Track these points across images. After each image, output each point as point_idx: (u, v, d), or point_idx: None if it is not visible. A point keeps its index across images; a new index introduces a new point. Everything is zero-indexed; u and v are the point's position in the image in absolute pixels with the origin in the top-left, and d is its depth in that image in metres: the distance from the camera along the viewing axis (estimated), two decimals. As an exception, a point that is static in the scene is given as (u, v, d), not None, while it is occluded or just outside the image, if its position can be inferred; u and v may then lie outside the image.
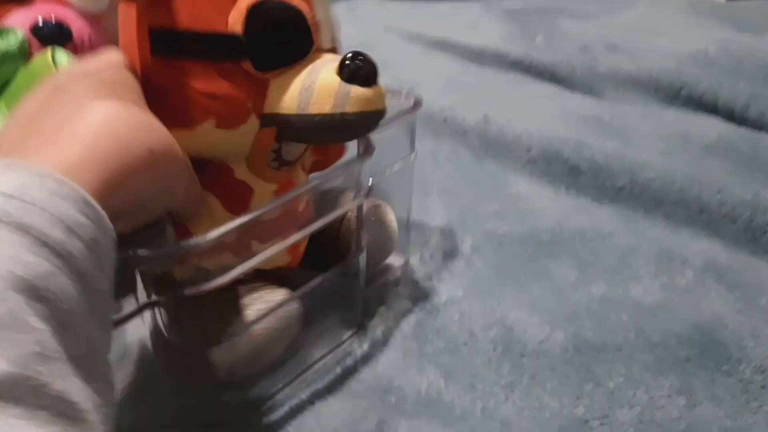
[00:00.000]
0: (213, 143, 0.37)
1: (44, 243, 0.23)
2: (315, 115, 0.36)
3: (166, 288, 0.38)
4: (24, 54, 0.50)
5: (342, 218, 0.48)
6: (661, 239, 0.55)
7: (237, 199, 0.40)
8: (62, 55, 0.48)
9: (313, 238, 0.46)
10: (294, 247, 0.44)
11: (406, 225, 0.55)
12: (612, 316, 0.46)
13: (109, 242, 0.27)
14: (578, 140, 0.66)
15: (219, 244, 0.37)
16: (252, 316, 0.40)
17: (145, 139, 0.30)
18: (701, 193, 0.57)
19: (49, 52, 0.48)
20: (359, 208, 0.45)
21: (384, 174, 0.49)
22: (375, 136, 0.45)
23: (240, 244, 0.40)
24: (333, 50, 0.41)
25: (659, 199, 0.59)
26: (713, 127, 0.71)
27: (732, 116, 0.75)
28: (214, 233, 0.34)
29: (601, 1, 1.35)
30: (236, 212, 0.38)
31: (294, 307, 0.42)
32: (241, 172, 0.40)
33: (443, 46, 1.08)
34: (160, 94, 0.35)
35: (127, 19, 0.36)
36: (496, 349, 0.45)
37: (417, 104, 0.49)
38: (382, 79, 0.80)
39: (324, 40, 0.39)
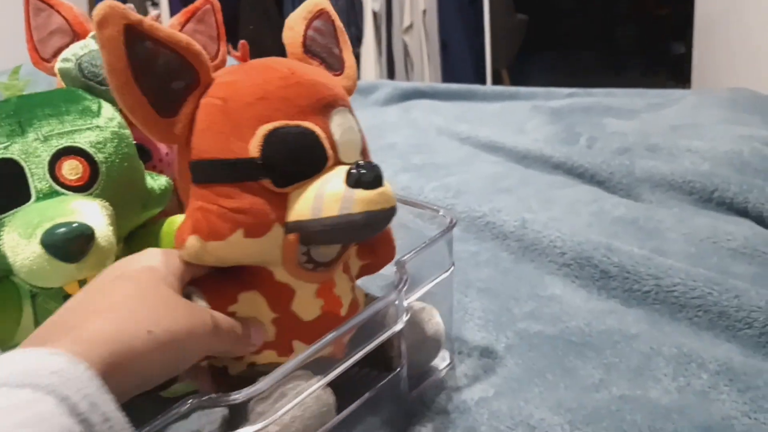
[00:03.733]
0: (245, 251, 0.44)
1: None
2: (326, 218, 0.42)
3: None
4: (168, 199, 0.58)
5: (386, 314, 0.52)
6: (682, 342, 0.59)
7: (280, 299, 0.47)
8: None
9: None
10: (338, 339, 0.48)
11: (449, 332, 0.60)
12: (628, 417, 0.51)
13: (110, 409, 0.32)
14: (608, 245, 0.71)
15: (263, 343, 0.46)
16: (284, 406, 0.43)
17: (146, 322, 0.36)
18: (720, 298, 0.61)
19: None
20: (399, 332, 0.51)
21: (423, 290, 0.55)
22: (414, 256, 0.52)
23: (282, 345, 0.47)
24: (363, 161, 0.47)
25: (682, 303, 0.63)
26: (741, 230, 0.75)
27: (762, 219, 0.78)
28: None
29: (647, 97, 1.41)
30: (280, 312, 0.46)
31: (328, 399, 0.45)
32: (281, 275, 0.46)
33: (491, 148, 1.15)
34: (198, 214, 0.43)
35: (177, 155, 0.46)
36: (521, 446, 0.50)
37: (452, 224, 0.56)
38: (431, 185, 0.86)
39: (345, 155, 0.46)
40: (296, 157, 0.43)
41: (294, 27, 0.51)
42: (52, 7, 0.64)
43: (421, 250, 0.53)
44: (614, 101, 1.37)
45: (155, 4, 3.17)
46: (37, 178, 0.49)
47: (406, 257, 0.51)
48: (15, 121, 0.50)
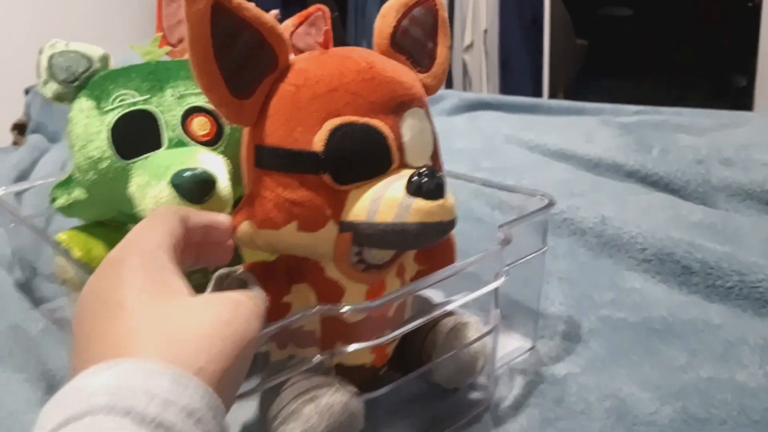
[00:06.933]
0: (298, 243, 0.44)
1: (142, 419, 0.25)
2: (380, 224, 0.41)
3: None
4: None
5: (432, 326, 0.53)
6: (767, 334, 0.59)
7: (329, 296, 0.46)
8: None
9: (407, 338, 0.52)
10: (379, 347, 0.48)
11: (535, 313, 0.63)
12: (717, 395, 0.52)
13: (215, 412, 0.29)
14: (690, 242, 0.73)
15: (309, 336, 0.46)
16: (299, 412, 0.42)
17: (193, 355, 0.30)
18: (806, 294, 0.62)
19: None
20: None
21: (517, 265, 0.56)
22: (515, 225, 0.53)
23: (325, 344, 0.46)
24: (427, 167, 0.44)
25: (766, 299, 0.64)
26: (823, 237, 0.75)
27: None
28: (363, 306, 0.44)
29: (715, 117, 1.41)
30: None
31: (356, 407, 0.44)
32: (332, 272, 0.46)
33: (561, 155, 1.17)
34: (256, 200, 0.44)
35: (244, 138, 0.46)
36: (609, 417, 0.51)
37: (550, 204, 0.58)
38: (507, 182, 0.88)
39: (413, 158, 0.45)
40: (359, 157, 0.43)
41: (387, 16, 0.49)
42: None
43: (522, 220, 0.55)
44: (683, 120, 1.37)
45: None
46: (170, 129, 0.54)
47: (508, 223, 0.53)
48: (155, 79, 0.55)
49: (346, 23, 3.05)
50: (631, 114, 1.46)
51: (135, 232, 0.37)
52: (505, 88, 2.86)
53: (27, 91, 1.59)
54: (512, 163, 1.15)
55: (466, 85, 2.87)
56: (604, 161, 1.08)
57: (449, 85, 2.90)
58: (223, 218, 0.44)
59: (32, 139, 1.36)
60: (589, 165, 1.10)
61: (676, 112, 1.45)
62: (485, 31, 2.78)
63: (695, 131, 1.27)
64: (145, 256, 0.35)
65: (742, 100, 2.91)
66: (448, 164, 1.11)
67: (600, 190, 0.99)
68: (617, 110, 1.50)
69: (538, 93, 2.87)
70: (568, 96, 3.22)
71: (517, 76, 2.89)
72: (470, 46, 2.82)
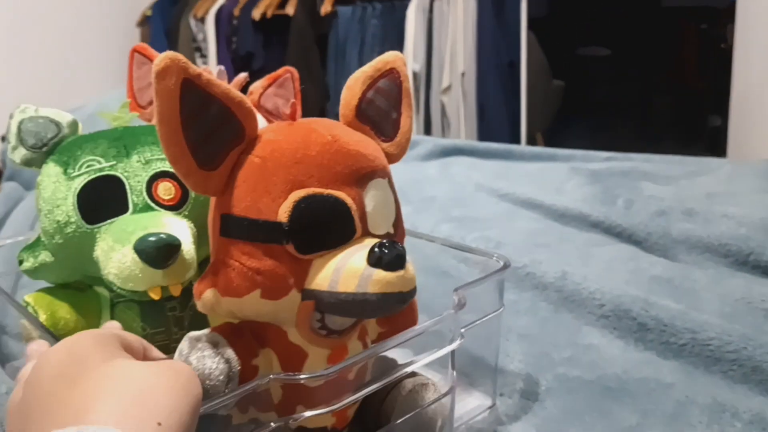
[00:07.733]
0: (260, 311, 0.45)
1: None
2: (341, 293, 0.43)
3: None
4: None
5: (392, 387, 0.54)
6: (716, 393, 0.61)
7: (292, 360, 0.47)
8: None
9: (368, 400, 0.52)
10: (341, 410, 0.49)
11: (494, 372, 0.64)
12: (664, 458, 0.53)
13: None
14: (646, 300, 0.74)
15: (268, 401, 0.47)
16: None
17: (154, 409, 0.33)
18: (754, 353, 0.64)
19: None
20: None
21: (474, 326, 0.57)
22: (470, 288, 0.55)
23: (286, 408, 0.47)
24: (389, 235, 0.48)
25: (717, 357, 0.65)
26: (776, 293, 0.78)
27: (796, 284, 0.81)
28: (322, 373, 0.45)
29: (683, 164, 1.44)
30: (291, 372, 0.46)
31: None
32: (294, 336, 0.47)
33: (530, 205, 1.19)
34: (220, 268, 0.45)
35: (210, 206, 0.48)
36: (561, 479, 0.53)
37: (506, 266, 0.60)
38: (472, 235, 0.90)
39: (375, 227, 0.47)
40: (323, 227, 0.44)
41: (352, 87, 0.52)
42: (152, 61, 0.71)
43: (477, 282, 0.57)
44: (651, 167, 1.40)
45: (203, 56, 3.29)
46: (136, 194, 0.55)
47: (463, 286, 0.55)
48: (122, 145, 0.56)
49: (326, 66, 3.09)
50: (602, 160, 1.49)
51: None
52: (483, 130, 2.90)
53: (3, 138, 1.60)
54: (481, 213, 1.18)
55: (445, 127, 2.91)
56: (571, 212, 1.10)
57: (428, 127, 2.94)
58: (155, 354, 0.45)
59: (7, 187, 1.37)
60: (555, 215, 1.13)
61: (645, 158, 1.48)
62: (463, 74, 2.83)
63: (662, 180, 1.31)
64: (95, 336, 0.38)
65: (717, 141, 2.97)
66: (420, 212, 1.14)
67: (565, 241, 1.01)
68: (588, 156, 1.53)
69: (516, 134, 2.91)
70: (546, 136, 3.27)
71: (495, 117, 2.93)
72: (448, 88, 2.87)
